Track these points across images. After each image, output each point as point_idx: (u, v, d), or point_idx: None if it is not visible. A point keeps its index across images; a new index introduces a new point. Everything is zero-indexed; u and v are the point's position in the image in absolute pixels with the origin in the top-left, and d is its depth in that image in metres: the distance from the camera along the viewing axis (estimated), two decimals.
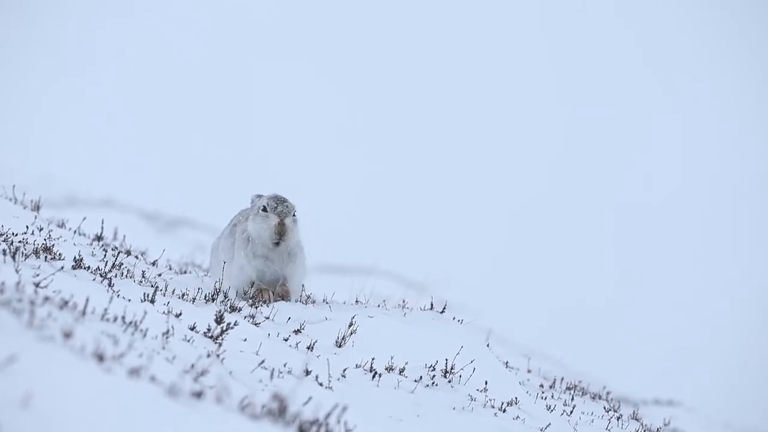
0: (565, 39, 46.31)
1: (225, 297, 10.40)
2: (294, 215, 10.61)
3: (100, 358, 6.50)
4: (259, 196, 10.84)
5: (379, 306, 10.82)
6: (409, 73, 45.43)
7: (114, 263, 10.35)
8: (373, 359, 9.43)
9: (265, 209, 10.52)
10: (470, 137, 42.97)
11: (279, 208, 10.51)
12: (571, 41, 46.18)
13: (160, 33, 44.67)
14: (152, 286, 10.14)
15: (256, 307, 10.18)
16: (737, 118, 42.75)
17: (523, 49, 45.91)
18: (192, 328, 8.95)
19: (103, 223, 12.18)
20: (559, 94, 44.42)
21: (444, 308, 10.74)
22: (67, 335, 6.64)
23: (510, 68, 45.48)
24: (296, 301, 10.72)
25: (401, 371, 9.44)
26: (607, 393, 12.60)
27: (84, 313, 7.65)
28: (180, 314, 9.18)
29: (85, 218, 12.51)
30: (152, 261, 12.06)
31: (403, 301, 11.05)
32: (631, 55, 45.59)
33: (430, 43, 46.19)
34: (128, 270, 10.53)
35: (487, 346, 10.37)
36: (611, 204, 38.31)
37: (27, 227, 10.78)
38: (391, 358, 9.58)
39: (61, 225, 12.18)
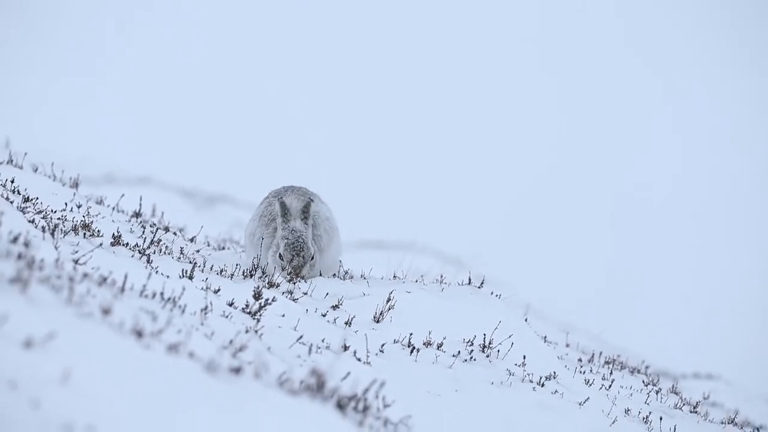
0: (566, 37, 46.34)
1: (263, 273, 10.40)
2: (313, 258, 10.49)
3: (139, 334, 6.53)
4: (277, 196, 10.82)
5: (416, 281, 10.81)
6: (430, 66, 45.62)
7: (152, 240, 10.37)
8: (411, 334, 9.43)
9: (281, 257, 10.39)
10: (478, 133, 43.20)
11: (294, 262, 10.37)
12: (573, 39, 46.21)
13: (182, 23, 44.88)
14: (190, 262, 10.17)
15: (294, 283, 10.18)
16: (736, 114, 42.66)
17: (527, 46, 45.99)
18: (230, 304, 8.96)
19: (141, 200, 12.21)
20: (560, 93, 44.51)
21: (482, 283, 10.72)
22: (106, 312, 6.67)
23: (517, 65, 45.58)
24: (334, 276, 10.72)
25: (439, 346, 9.43)
26: (646, 367, 12.55)
27: (123, 289, 7.68)
28: (218, 290, 9.20)
29: (123, 195, 12.53)
30: (190, 237, 12.08)
31: (441, 276, 11.03)
32: (631, 53, 45.56)
33: (441, 42, 46.35)
34: (166, 246, 10.55)
35: (525, 320, 10.35)
36: (611, 200, 38.48)
37: (66, 204, 10.82)
38: (429, 333, 9.57)
39: (100, 202, 12.22)
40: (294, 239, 10.36)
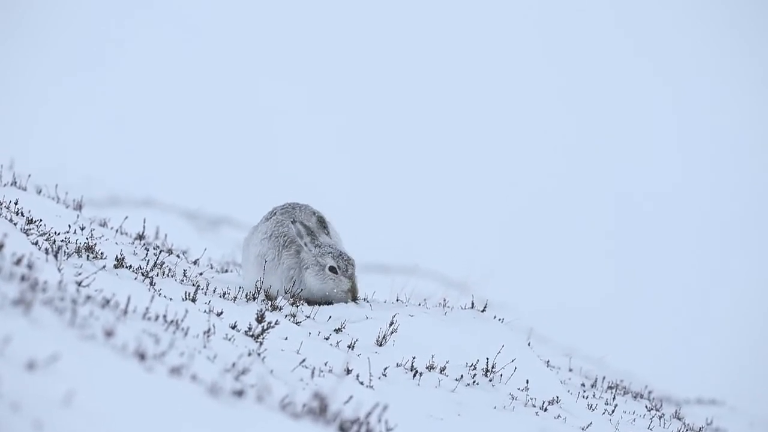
0: (565, 37, 46.37)
1: (266, 296, 10.40)
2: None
3: (142, 356, 6.52)
4: (285, 214, 10.81)
5: (419, 305, 10.81)
6: (422, 75, 45.74)
7: (155, 262, 10.38)
8: (413, 358, 9.42)
9: (333, 270, 10.39)
10: (476, 137, 43.24)
11: (350, 271, 10.41)
12: (571, 39, 46.25)
13: (175, 33, 44.96)
14: (193, 284, 10.17)
15: (297, 306, 10.19)
16: (737, 114, 42.61)
17: (524, 47, 46.05)
18: (233, 327, 8.96)
19: (144, 222, 12.22)
20: (560, 94, 44.55)
21: (485, 307, 10.71)
22: (109, 334, 6.66)
23: (512, 68, 45.65)
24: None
25: (442, 370, 9.43)
26: (649, 392, 12.53)
27: (125, 311, 7.68)
28: (221, 313, 9.20)
29: (126, 217, 12.55)
30: (193, 260, 12.09)
31: (444, 300, 11.02)
32: (630, 53, 45.57)
33: (438, 47, 46.45)
34: (169, 269, 10.56)
35: (528, 344, 10.34)
36: (610, 213, 38.50)
37: (69, 226, 10.83)
38: (432, 356, 9.56)
39: (103, 224, 12.24)
40: (339, 251, 10.42)
